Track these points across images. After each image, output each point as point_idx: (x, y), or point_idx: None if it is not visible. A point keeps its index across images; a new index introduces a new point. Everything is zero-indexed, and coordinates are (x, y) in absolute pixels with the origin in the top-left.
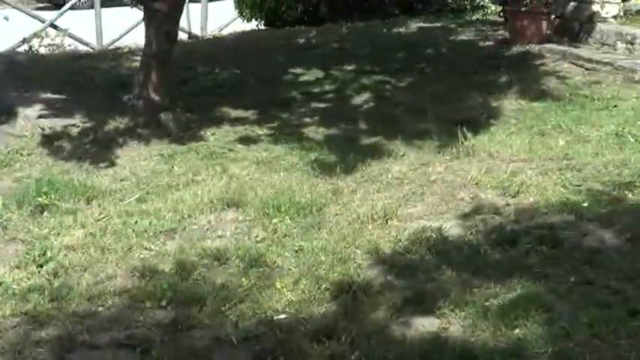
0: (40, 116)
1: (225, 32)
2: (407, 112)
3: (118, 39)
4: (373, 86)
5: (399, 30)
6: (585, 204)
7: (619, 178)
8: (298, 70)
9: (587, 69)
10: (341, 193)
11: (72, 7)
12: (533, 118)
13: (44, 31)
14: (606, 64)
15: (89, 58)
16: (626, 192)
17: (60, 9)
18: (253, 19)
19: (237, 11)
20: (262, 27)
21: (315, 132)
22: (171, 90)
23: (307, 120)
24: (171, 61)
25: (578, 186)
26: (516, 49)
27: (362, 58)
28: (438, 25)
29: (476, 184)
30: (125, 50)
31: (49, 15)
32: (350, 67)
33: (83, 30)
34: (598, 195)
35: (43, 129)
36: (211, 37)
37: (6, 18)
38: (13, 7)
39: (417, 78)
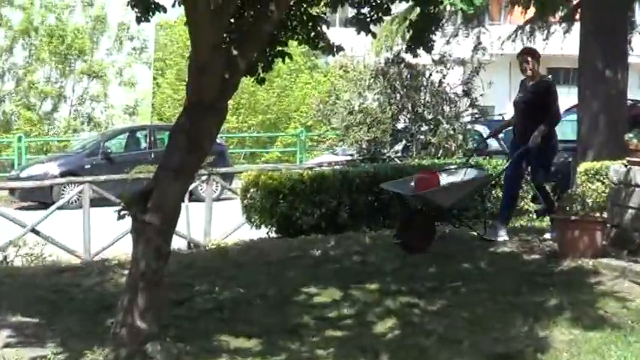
0: (6, 345)
1: (230, 239)
2: (438, 342)
3: (109, 245)
4: (399, 310)
5: None
6: None
7: None
8: (312, 290)
9: None
10: None
11: (60, 207)
12: (590, 352)
13: (22, 238)
14: None
15: (71, 272)
16: None
17: (47, 208)
18: (262, 226)
19: (244, 216)
20: (273, 234)
21: None
22: (161, 315)
23: (320, 352)
24: (162, 281)
25: None
26: (567, 263)
27: (387, 273)
28: (476, 233)
29: None
30: (114, 262)
31: (31, 217)
32: (373, 286)
33: (69, 234)
34: None
35: None
36: (214, 246)
37: None
38: None
39: (451, 300)
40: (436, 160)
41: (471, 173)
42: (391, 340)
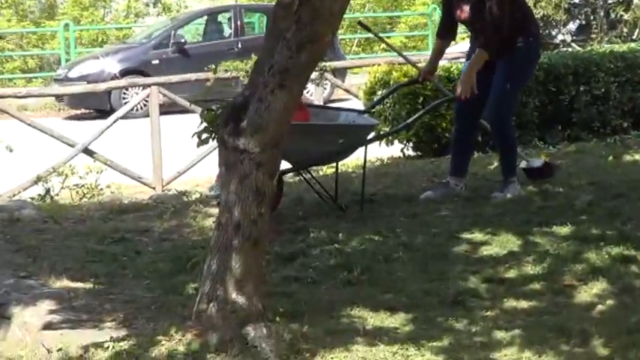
0: (47, 325)
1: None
2: None
3: (189, 168)
4: (609, 267)
5: (632, 158)
6: None
7: None
8: (477, 236)
9: None
10: None
11: (122, 117)
12: None
13: (70, 162)
14: None
15: (137, 212)
16: None
17: (105, 117)
18: (396, 141)
19: None
20: (411, 152)
21: None
22: (266, 281)
23: (501, 334)
24: (265, 237)
25: None
26: None
27: (581, 210)
28: None
29: None
30: (195, 196)
31: (84, 130)
32: (564, 229)
33: (134, 152)
34: None
35: (49, 350)
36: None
37: (9, 149)
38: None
39: None
40: (632, 45)
41: (351, 119)
42: (603, 316)
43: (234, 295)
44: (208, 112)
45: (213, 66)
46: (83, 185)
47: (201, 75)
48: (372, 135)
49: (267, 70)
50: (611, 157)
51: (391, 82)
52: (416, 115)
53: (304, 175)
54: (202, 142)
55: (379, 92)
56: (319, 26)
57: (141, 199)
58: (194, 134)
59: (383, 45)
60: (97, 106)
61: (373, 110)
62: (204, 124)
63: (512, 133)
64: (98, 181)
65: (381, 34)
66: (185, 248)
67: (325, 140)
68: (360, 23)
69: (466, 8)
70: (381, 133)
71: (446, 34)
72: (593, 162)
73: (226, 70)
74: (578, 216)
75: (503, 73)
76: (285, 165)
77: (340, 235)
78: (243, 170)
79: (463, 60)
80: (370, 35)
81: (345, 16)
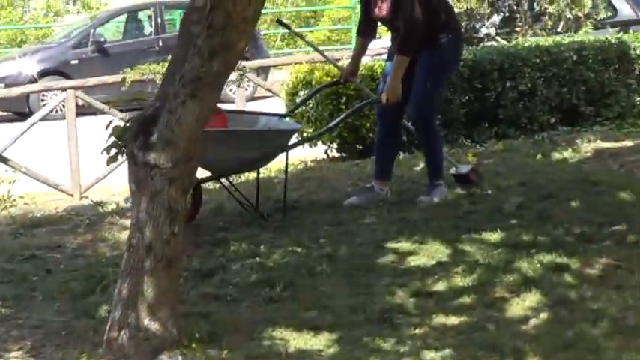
0: None
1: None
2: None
3: (106, 175)
4: (541, 276)
5: (561, 156)
6: None
7: None
8: (404, 245)
9: None
10: None
11: (43, 119)
12: None
13: None
14: None
15: (50, 225)
16: None
17: (24, 119)
18: (319, 142)
19: None
20: (335, 154)
21: None
22: (182, 301)
23: (431, 355)
24: (180, 256)
25: None
26: None
27: (511, 214)
28: (629, 144)
29: None
30: (111, 208)
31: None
32: (493, 236)
33: (54, 156)
34: None
35: None
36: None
37: None
38: None
39: (620, 256)
40: (557, 39)
41: (272, 124)
42: (537, 331)
43: (146, 321)
44: (116, 127)
45: (129, 69)
46: None
47: (118, 77)
48: (294, 139)
49: (177, 79)
50: (539, 156)
51: (313, 82)
52: (339, 119)
53: (224, 183)
54: (112, 159)
55: (301, 93)
56: (232, 33)
57: (55, 211)
58: (103, 150)
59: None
60: (15, 108)
61: (294, 113)
62: (113, 139)
63: (437, 132)
64: (11, 192)
65: (304, 29)
66: (99, 266)
67: (245, 147)
68: (278, 21)
69: (383, 6)
70: (304, 136)
71: (366, 31)
72: (522, 161)
73: (143, 74)
74: (507, 220)
75: (423, 72)
76: (203, 172)
77: (262, 247)
78: (154, 187)
79: (386, 57)
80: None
81: (268, 10)
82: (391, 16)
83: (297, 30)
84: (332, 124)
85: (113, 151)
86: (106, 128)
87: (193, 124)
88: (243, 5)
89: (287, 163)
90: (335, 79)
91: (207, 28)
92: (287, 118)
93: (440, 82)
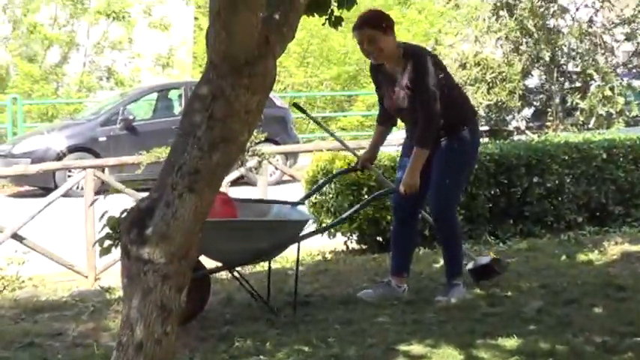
0: None
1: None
2: None
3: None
4: None
5: (587, 257)
6: None
7: None
8: (415, 348)
9: None
10: None
11: (65, 195)
12: None
13: None
14: None
15: (54, 311)
16: None
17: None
18: (339, 233)
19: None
20: (354, 245)
21: None
22: None
23: None
24: (173, 351)
25: None
26: None
27: (530, 319)
28: None
29: None
30: (117, 294)
31: (26, 207)
32: (509, 342)
33: (71, 235)
34: None
35: None
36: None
37: None
38: None
39: None
40: (587, 135)
41: (283, 214)
42: None
43: None
44: (111, 217)
45: (144, 152)
46: (2, 277)
47: (137, 158)
48: (307, 229)
49: (176, 170)
50: (564, 257)
51: (333, 171)
52: (352, 209)
53: (234, 273)
54: (105, 251)
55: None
56: (234, 124)
57: (60, 295)
58: (95, 242)
59: (338, 123)
60: (41, 183)
61: (314, 203)
62: (107, 230)
63: (458, 227)
64: (19, 273)
65: (338, 113)
66: (98, 357)
67: (253, 237)
68: (295, 104)
69: (394, 97)
70: (321, 226)
71: (385, 120)
72: (545, 261)
73: (158, 157)
74: (526, 325)
75: (442, 165)
76: (213, 262)
77: (267, 344)
78: (147, 283)
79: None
80: (326, 113)
81: (303, 94)
82: (403, 109)
83: (332, 114)
84: (345, 214)
85: (107, 242)
86: (100, 219)
87: (191, 219)
88: (246, 96)
89: (298, 255)
90: (351, 166)
91: (207, 119)
92: (300, 207)
93: (459, 175)
